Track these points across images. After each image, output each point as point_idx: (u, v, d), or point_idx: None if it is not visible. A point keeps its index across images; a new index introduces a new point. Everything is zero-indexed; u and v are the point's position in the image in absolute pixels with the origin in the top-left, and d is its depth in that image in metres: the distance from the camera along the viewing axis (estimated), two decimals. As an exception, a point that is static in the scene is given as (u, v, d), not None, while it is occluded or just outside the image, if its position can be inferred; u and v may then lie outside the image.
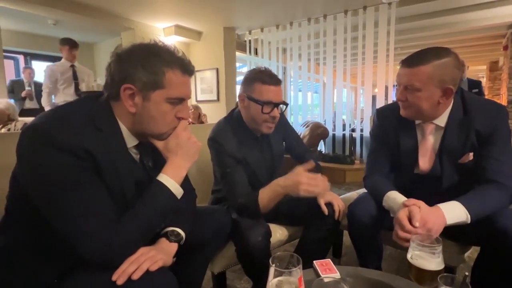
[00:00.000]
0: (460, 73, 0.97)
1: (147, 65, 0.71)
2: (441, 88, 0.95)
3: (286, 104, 1.21)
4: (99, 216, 0.65)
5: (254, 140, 1.24)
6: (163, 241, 0.79)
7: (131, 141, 0.77)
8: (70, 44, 3.31)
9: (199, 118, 3.78)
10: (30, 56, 4.45)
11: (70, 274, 0.69)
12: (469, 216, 0.90)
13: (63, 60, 3.37)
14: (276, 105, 1.15)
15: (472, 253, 1.10)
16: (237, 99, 1.24)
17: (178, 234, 0.83)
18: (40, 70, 4.55)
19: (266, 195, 1.11)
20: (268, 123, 1.16)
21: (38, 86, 4.03)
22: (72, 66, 3.40)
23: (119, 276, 0.64)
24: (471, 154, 1.02)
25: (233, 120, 1.24)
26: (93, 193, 0.66)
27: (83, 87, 3.39)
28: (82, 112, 0.70)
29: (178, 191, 0.76)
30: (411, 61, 0.96)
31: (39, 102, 3.98)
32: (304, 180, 1.03)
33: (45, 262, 0.70)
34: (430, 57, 0.93)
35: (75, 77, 3.40)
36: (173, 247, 0.80)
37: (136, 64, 0.70)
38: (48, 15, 3.45)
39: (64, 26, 3.94)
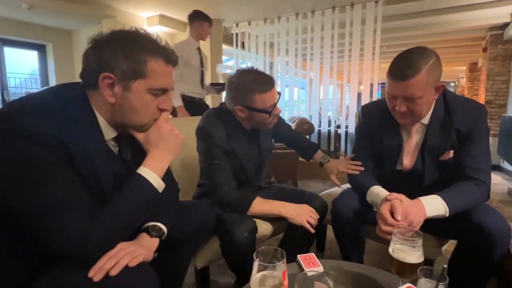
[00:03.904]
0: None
1: (128, 53, 0.67)
2: (435, 88, 0.97)
3: (279, 93, 1.19)
4: (74, 210, 0.62)
5: (243, 133, 1.22)
6: (144, 236, 0.77)
7: (109, 133, 0.74)
8: (209, 20, 2.70)
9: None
10: (2, 42, 4.16)
11: (43, 271, 0.66)
12: (447, 209, 0.93)
13: (190, 38, 2.70)
14: (277, 102, 1.15)
15: (449, 246, 1.14)
16: (228, 106, 1.18)
17: (160, 229, 0.80)
18: (12, 57, 4.29)
19: (262, 209, 1.14)
20: (273, 120, 1.19)
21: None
22: (199, 48, 2.72)
23: (96, 272, 0.61)
24: (452, 151, 1.05)
25: (222, 112, 1.21)
26: (67, 185, 0.62)
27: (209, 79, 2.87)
28: (54, 101, 0.65)
29: (159, 184, 0.74)
30: (405, 73, 0.92)
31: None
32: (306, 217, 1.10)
33: (15, 259, 0.66)
34: (420, 64, 0.91)
35: (201, 63, 2.76)
36: (154, 242, 0.78)
37: (116, 52, 0.66)
38: (21, -2, 3.23)
39: (40, 10, 3.69)
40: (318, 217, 1.12)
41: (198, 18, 2.68)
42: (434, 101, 1.04)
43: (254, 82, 1.09)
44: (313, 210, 1.13)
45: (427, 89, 0.94)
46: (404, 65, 0.93)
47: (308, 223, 1.08)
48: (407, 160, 1.12)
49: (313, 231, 1.09)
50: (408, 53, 0.96)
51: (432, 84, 0.95)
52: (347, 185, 1.29)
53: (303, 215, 1.09)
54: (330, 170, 1.34)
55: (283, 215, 1.11)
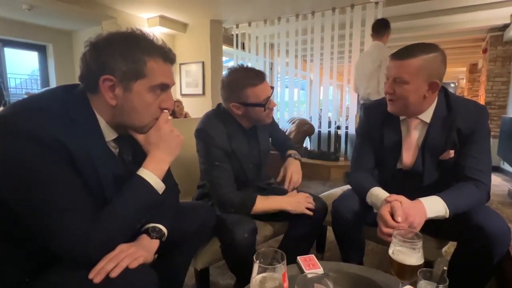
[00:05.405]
0: (446, 68, 1.00)
1: (127, 55, 0.67)
2: (428, 82, 0.98)
3: (273, 88, 1.20)
4: (75, 211, 0.62)
5: (243, 133, 1.23)
6: (144, 238, 0.77)
7: (109, 135, 0.74)
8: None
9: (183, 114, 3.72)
10: (2, 43, 4.15)
11: (43, 272, 0.66)
12: (448, 210, 0.93)
13: (383, 45, 2.77)
14: (270, 95, 1.16)
15: (449, 247, 1.14)
16: (224, 106, 1.20)
17: (160, 230, 0.80)
18: (12, 57, 4.29)
19: (264, 206, 1.16)
20: (269, 113, 1.21)
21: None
22: None
23: (97, 274, 0.61)
24: (452, 151, 1.05)
25: (221, 113, 1.22)
26: (68, 187, 0.62)
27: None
28: (55, 102, 0.65)
29: (159, 185, 0.74)
30: (401, 54, 0.98)
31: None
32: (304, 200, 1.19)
33: (15, 260, 0.67)
34: (419, 51, 0.95)
35: None
36: (155, 243, 0.78)
37: (114, 54, 0.67)
38: (22, -1, 3.23)
39: (40, 11, 3.69)
40: (314, 204, 1.19)
41: (388, 27, 2.83)
42: (436, 99, 1.05)
43: (245, 77, 1.11)
44: (308, 195, 1.22)
45: (418, 78, 0.96)
46: (404, 49, 0.99)
47: (308, 209, 1.17)
48: (407, 157, 1.12)
49: (311, 214, 1.17)
50: (416, 43, 1.00)
51: (425, 76, 0.97)
52: (347, 187, 1.29)
53: (302, 203, 1.17)
54: (284, 168, 1.30)
55: (285, 208, 1.16)
